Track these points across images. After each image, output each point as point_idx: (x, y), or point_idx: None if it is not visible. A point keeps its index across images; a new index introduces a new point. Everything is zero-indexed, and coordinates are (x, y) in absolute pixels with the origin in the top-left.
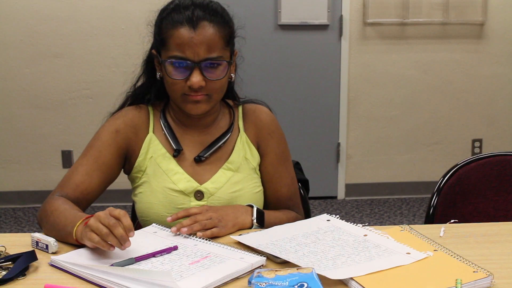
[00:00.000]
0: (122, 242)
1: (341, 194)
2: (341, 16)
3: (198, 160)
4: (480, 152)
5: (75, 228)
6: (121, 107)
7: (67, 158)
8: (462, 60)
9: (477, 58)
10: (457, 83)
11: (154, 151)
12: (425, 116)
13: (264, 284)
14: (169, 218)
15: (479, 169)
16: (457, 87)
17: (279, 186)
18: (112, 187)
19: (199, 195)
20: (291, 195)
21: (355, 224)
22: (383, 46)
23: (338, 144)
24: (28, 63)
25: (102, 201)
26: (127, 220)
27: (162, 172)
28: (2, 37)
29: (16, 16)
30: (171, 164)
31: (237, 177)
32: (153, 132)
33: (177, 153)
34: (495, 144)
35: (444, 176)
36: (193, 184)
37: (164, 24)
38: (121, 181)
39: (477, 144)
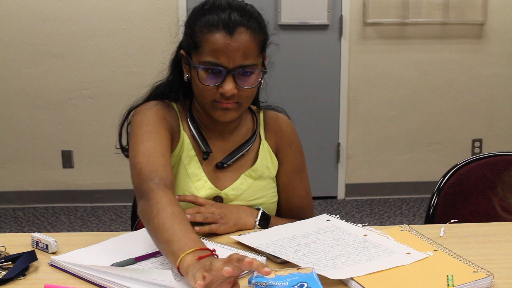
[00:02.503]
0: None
1: (341, 194)
2: (341, 16)
3: (220, 166)
4: (480, 152)
5: (183, 255)
6: (146, 100)
7: (67, 158)
8: (462, 60)
9: (477, 58)
10: (457, 83)
11: (183, 151)
12: (425, 116)
13: (264, 284)
14: (177, 197)
15: (479, 169)
16: (457, 87)
17: (292, 197)
18: (112, 187)
19: (218, 200)
20: (304, 207)
21: (355, 224)
22: (383, 46)
23: (338, 144)
24: (28, 63)
25: (104, 201)
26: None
27: (186, 175)
28: (2, 37)
29: (16, 16)
30: (197, 169)
31: (258, 185)
32: (184, 131)
33: (207, 156)
34: (495, 144)
35: (444, 176)
36: (214, 192)
37: (198, 27)
38: (121, 181)
39: (477, 144)
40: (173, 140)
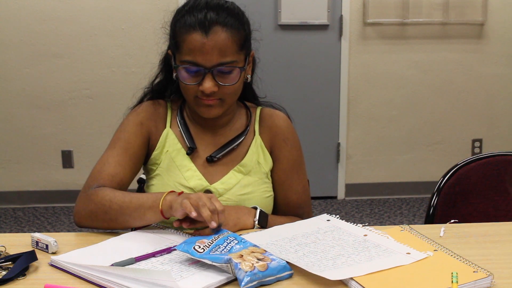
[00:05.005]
0: (213, 218)
1: (341, 194)
2: (341, 16)
3: (210, 160)
4: (480, 152)
5: (161, 199)
6: (139, 102)
7: (67, 158)
8: (462, 60)
9: (477, 58)
10: (457, 83)
11: (170, 146)
12: (425, 116)
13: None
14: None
15: (479, 169)
16: (457, 87)
17: (289, 193)
18: None
19: None
20: (301, 204)
21: (355, 224)
22: (383, 46)
23: (338, 144)
24: (28, 63)
25: None
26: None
27: (175, 167)
28: (2, 37)
29: (16, 16)
30: (185, 161)
31: (248, 180)
32: (170, 127)
33: (190, 151)
34: (495, 144)
35: (444, 176)
36: (203, 183)
37: (177, 27)
38: None
39: (477, 144)
40: (152, 140)
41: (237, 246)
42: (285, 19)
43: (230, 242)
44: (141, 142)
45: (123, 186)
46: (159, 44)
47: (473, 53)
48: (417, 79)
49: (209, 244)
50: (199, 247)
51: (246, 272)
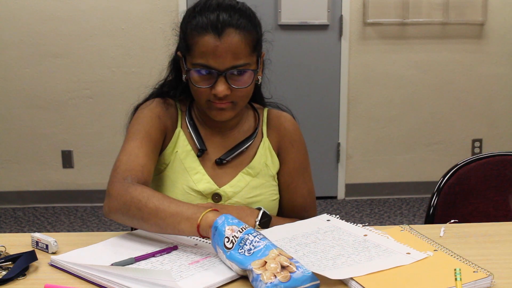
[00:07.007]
0: None
1: (341, 194)
2: (341, 16)
3: (219, 163)
4: (480, 152)
5: (202, 214)
6: (146, 100)
7: (67, 158)
8: (462, 60)
9: (477, 58)
10: (457, 83)
11: (180, 147)
12: (425, 116)
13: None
14: None
15: (479, 169)
16: (457, 87)
17: (294, 196)
18: None
19: (216, 197)
20: (306, 207)
21: (355, 224)
22: (383, 46)
23: (338, 144)
24: (28, 63)
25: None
26: None
27: (184, 169)
28: (2, 37)
29: (16, 16)
30: (194, 163)
31: (256, 183)
32: (181, 127)
33: (201, 153)
34: (495, 144)
35: (444, 176)
36: (212, 186)
37: (188, 29)
38: None
39: (477, 144)
40: (166, 137)
41: (265, 248)
42: (285, 19)
43: (257, 236)
44: (160, 135)
45: (150, 178)
46: (168, 46)
47: (473, 53)
48: (417, 79)
49: (239, 232)
50: (228, 240)
51: (266, 283)
